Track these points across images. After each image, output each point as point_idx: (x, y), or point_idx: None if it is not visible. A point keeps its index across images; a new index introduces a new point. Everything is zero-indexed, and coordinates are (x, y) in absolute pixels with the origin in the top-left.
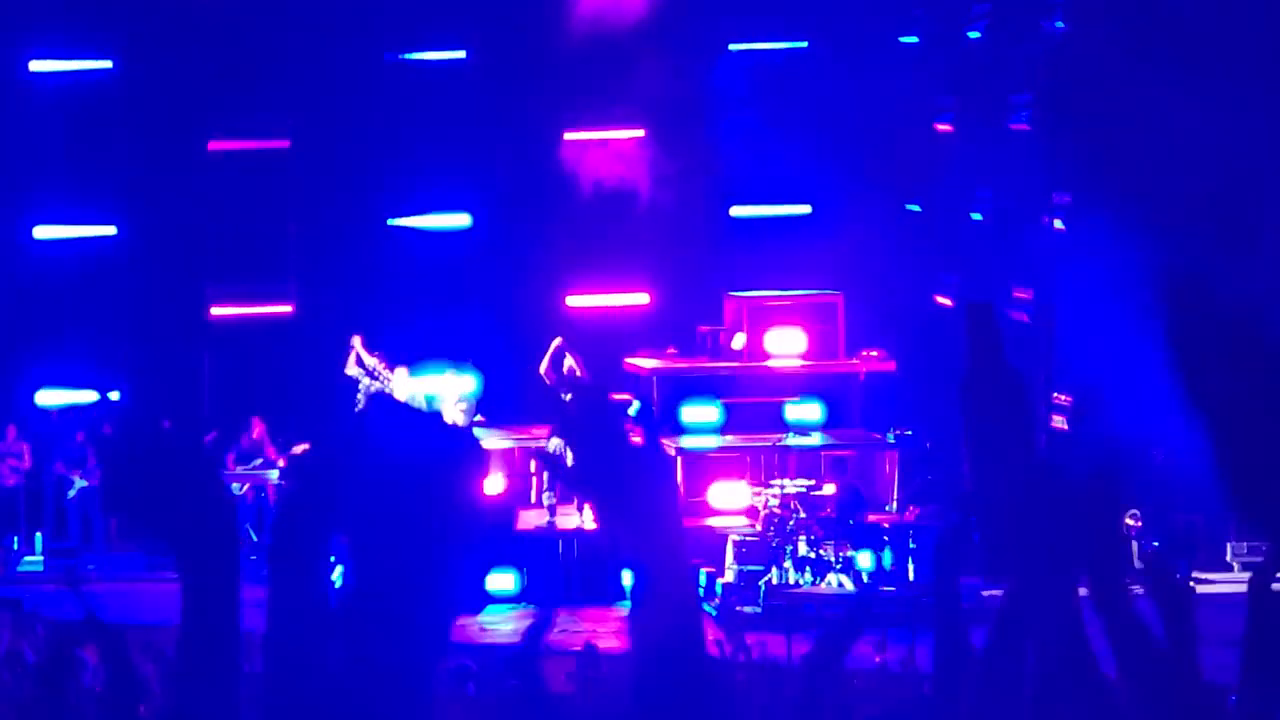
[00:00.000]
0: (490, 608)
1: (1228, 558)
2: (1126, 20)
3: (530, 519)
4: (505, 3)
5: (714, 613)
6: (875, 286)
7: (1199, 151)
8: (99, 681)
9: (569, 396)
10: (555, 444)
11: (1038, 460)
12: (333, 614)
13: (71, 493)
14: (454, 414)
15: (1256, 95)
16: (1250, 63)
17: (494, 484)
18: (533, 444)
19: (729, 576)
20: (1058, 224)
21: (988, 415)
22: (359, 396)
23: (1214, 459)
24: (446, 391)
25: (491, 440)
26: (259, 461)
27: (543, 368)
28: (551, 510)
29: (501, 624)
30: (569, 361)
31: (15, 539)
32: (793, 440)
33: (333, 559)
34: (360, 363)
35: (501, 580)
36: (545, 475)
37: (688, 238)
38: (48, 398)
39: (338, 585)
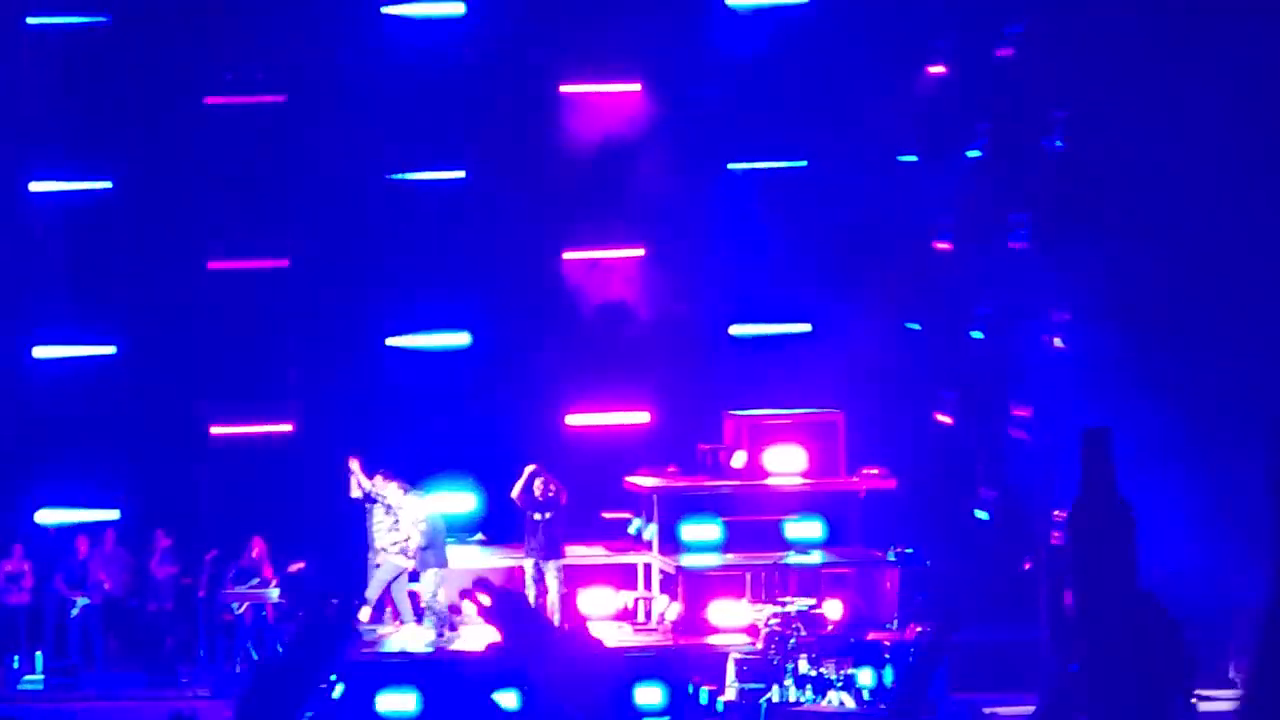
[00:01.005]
0: None
1: (1230, 675)
2: (1125, 139)
3: None
4: (504, 123)
5: None
6: (875, 404)
7: (1201, 268)
8: None
9: (543, 516)
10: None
11: (1139, 591)
12: None
13: (74, 611)
14: (412, 532)
15: (1261, 212)
16: (1255, 179)
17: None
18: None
19: (730, 694)
20: (1057, 342)
21: (1095, 543)
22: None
23: None
24: (410, 510)
25: (492, 558)
26: (256, 581)
27: (514, 492)
28: None
29: None
30: (539, 485)
31: (16, 658)
32: (793, 558)
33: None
34: (360, 485)
35: (503, 698)
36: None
37: (688, 356)
38: (48, 516)
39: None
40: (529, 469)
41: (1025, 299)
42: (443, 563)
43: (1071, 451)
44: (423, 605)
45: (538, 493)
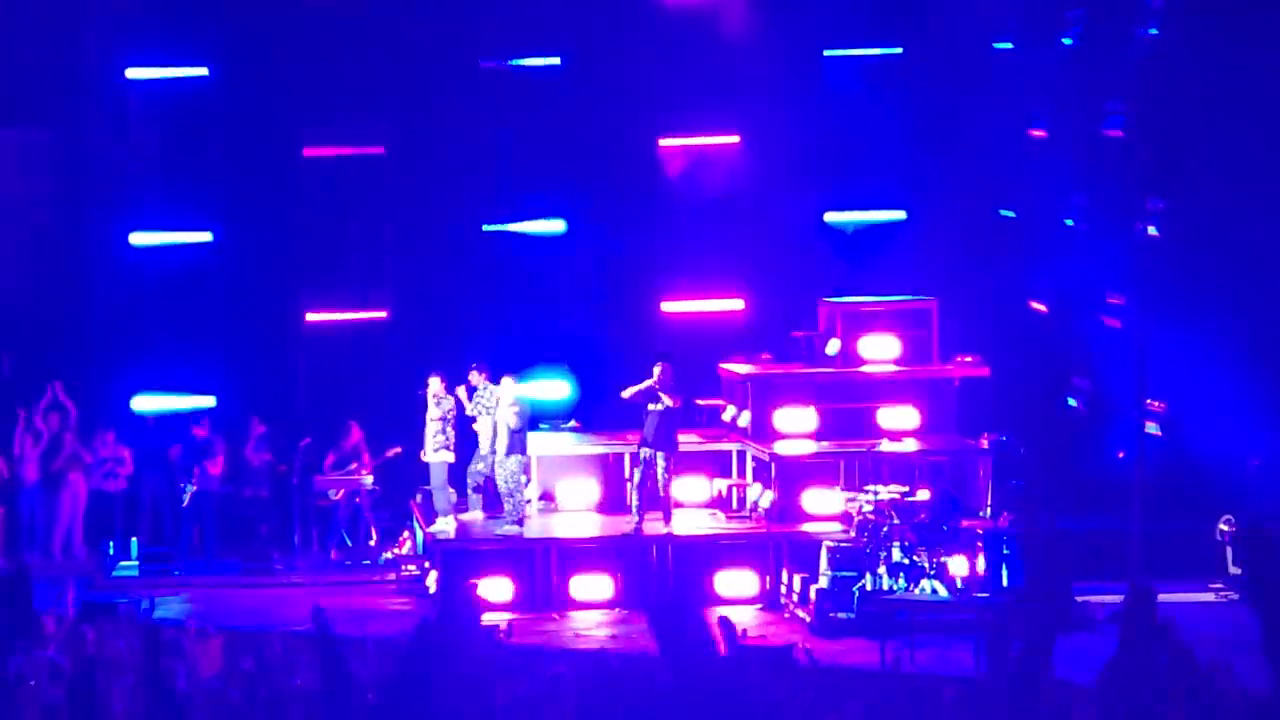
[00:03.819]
0: (583, 613)
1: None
2: (1219, 26)
3: (621, 525)
4: (599, 9)
5: (807, 619)
6: (969, 292)
7: None
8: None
9: (658, 405)
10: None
11: None
12: None
13: (185, 499)
14: (507, 416)
15: None
16: None
17: (590, 491)
18: (626, 450)
19: (823, 583)
20: (1151, 230)
21: None
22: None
23: None
24: (503, 395)
25: (586, 446)
26: (354, 466)
27: (626, 393)
28: (643, 505)
29: (595, 630)
30: (657, 372)
31: (111, 544)
32: (886, 446)
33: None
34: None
35: (594, 584)
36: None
37: (782, 243)
38: (144, 403)
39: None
40: (647, 383)
41: (1120, 187)
42: (524, 449)
43: (1165, 340)
44: (501, 492)
45: (656, 380)
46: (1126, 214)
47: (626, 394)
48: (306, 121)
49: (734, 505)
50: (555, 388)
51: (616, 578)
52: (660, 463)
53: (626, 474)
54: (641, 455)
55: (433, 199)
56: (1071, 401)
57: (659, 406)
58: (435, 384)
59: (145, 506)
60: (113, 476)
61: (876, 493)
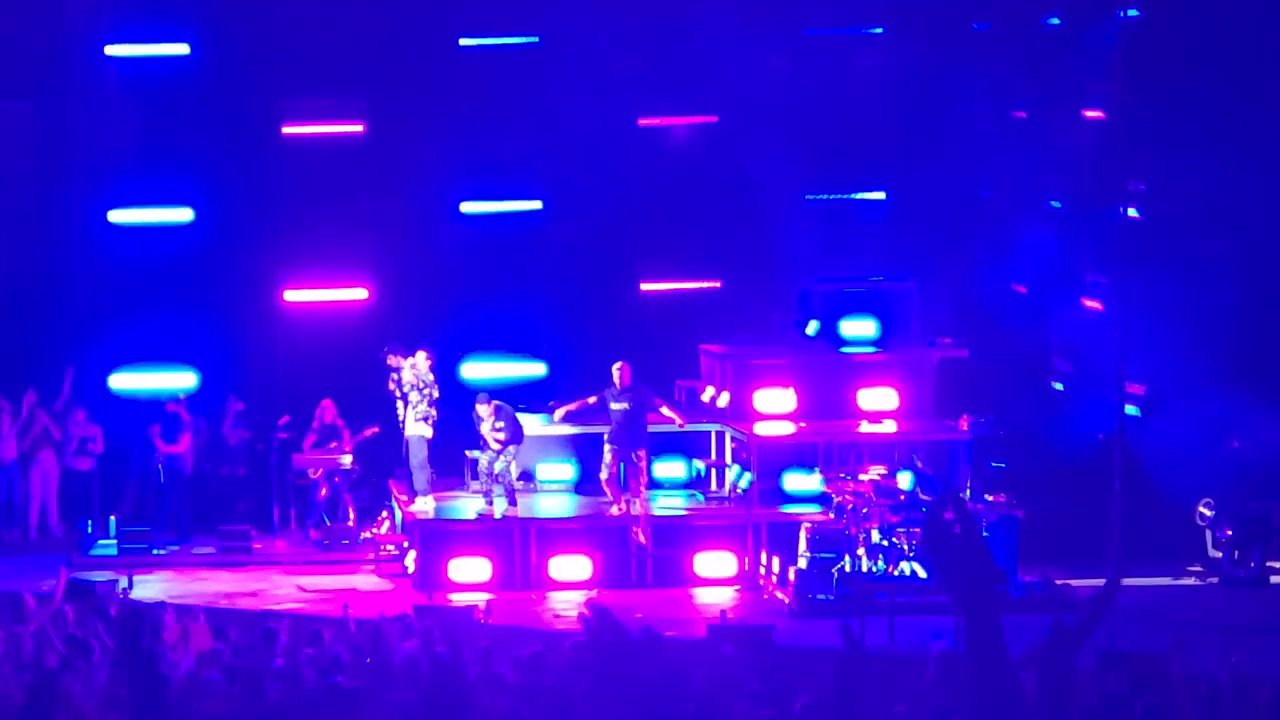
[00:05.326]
0: (561, 593)
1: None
2: (1200, 7)
3: (600, 506)
4: None
5: (786, 600)
6: (949, 273)
7: (1274, 138)
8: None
9: (621, 405)
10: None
11: None
12: None
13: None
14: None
15: None
16: None
17: (563, 471)
18: (604, 430)
19: (802, 564)
20: (1132, 211)
21: None
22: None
23: None
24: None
25: (564, 426)
26: (333, 445)
27: (559, 416)
28: (617, 495)
29: (573, 610)
30: (616, 374)
31: (89, 523)
32: (866, 428)
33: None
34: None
35: (572, 565)
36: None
37: (762, 224)
38: (122, 381)
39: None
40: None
41: (1101, 168)
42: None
43: (1146, 321)
44: (480, 471)
45: (615, 381)
46: (1107, 195)
47: (559, 416)
48: (286, 99)
49: (713, 486)
50: (532, 368)
51: (595, 558)
52: (642, 457)
53: (606, 459)
54: (610, 452)
55: (411, 177)
56: (1058, 385)
57: (623, 406)
58: (420, 358)
59: (127, 485)
60: (84, 454)
61: (856, 474)
